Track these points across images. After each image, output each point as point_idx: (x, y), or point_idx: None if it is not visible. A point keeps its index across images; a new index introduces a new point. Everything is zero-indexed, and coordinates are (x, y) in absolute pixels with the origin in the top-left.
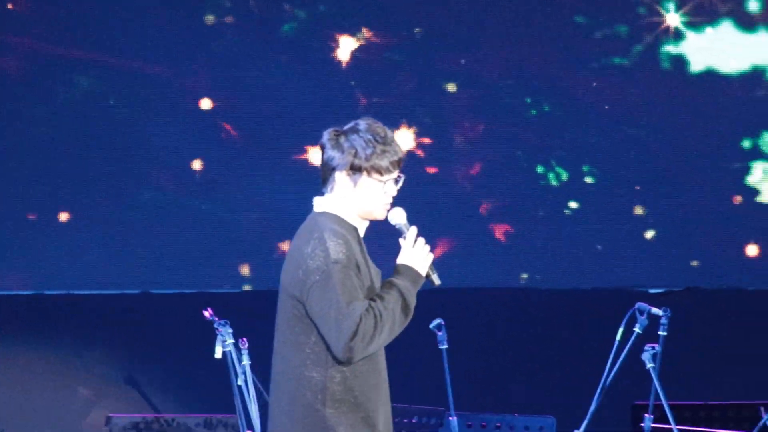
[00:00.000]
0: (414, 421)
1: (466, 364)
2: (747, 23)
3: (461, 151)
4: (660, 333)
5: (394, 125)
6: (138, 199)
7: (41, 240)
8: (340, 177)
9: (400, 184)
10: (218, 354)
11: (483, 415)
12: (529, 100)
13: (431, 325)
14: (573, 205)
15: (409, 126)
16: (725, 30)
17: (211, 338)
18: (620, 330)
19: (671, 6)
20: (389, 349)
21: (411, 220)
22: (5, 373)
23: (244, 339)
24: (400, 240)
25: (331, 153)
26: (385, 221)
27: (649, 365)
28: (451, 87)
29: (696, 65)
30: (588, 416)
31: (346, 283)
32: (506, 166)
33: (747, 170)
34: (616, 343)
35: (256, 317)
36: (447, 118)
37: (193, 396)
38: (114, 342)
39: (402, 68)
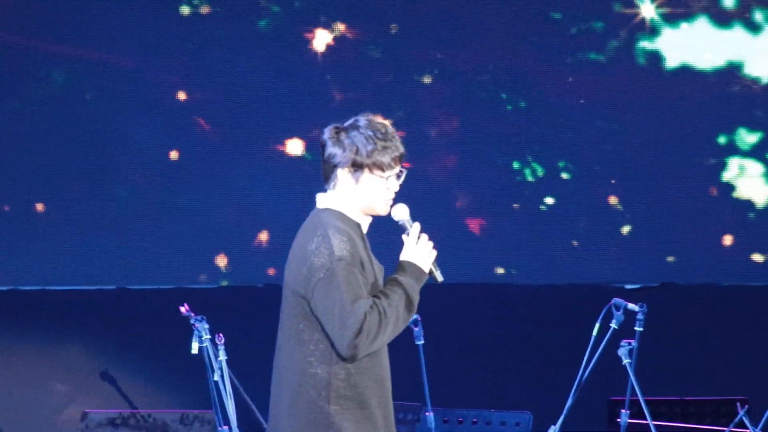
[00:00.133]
0: None
1: (442, 360)
2: (722, 19)
3: (437, 145)
4: (636, 328)
5: None
6: (113, 194)
7: (15, 235)
8: (342, 174)
9: (402, 179)
10: (195, 350)
11: (460, 411)
12: (504, 96)
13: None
14: (549, 200)
15: (384, 120)
16: (700, 26)
17: (187, 334)
18: (596, 325)
19: (647, 2)
20: None
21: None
22: None
23: (221, 335)
24: (403, 236)
25: (333, 150)
26: (388, 217)
27: (626, 361)
28: (427, 80)
29: (671, 61)
30: (564, 411)
31: (351, 281)
32: (482, 161)
33: (723, 166)
34: (593, 338)
35: (232, 313)
36: (422, 113)
37: (169, 392)
38: (90, 338)
39: (377, 62)
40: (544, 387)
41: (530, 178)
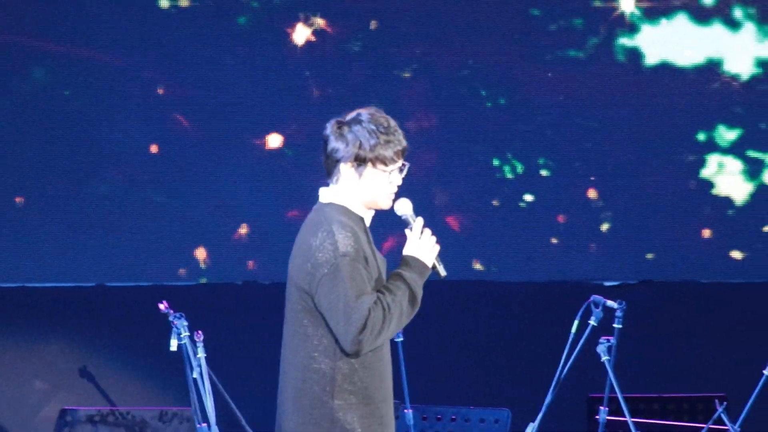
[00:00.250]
0: None
1: (421, 357)
2: (701, 16)
3: (416, 142)
4: (615, 326)
5: None
6: (93, 191)
7: None
8: (345, 168)
9: (405, 173)
10: (173, 347)
11: (438, 408)
12: (484, 92)
13: None
14: (528, 197)
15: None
16: (680, 23)
17: (166, 331)
18: (575, 322)
19: None
20: None
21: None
22: None
23: (200, 332)
24: (407, 231)
25: (335, 145)
26: (391, 211)
27: (605, 358)
28: (406, 76)
29: (651, 58)
30: (543, 409)
31: (355, 276)
32: (461, 157)
33: (702, 163)
34: (572, 335)
35: (211, 310)
36: (401, 109)
37: (148, 389)
38: (69, 335)
39: (357, 58)
40: (523, 384)
41: (510, 175)
